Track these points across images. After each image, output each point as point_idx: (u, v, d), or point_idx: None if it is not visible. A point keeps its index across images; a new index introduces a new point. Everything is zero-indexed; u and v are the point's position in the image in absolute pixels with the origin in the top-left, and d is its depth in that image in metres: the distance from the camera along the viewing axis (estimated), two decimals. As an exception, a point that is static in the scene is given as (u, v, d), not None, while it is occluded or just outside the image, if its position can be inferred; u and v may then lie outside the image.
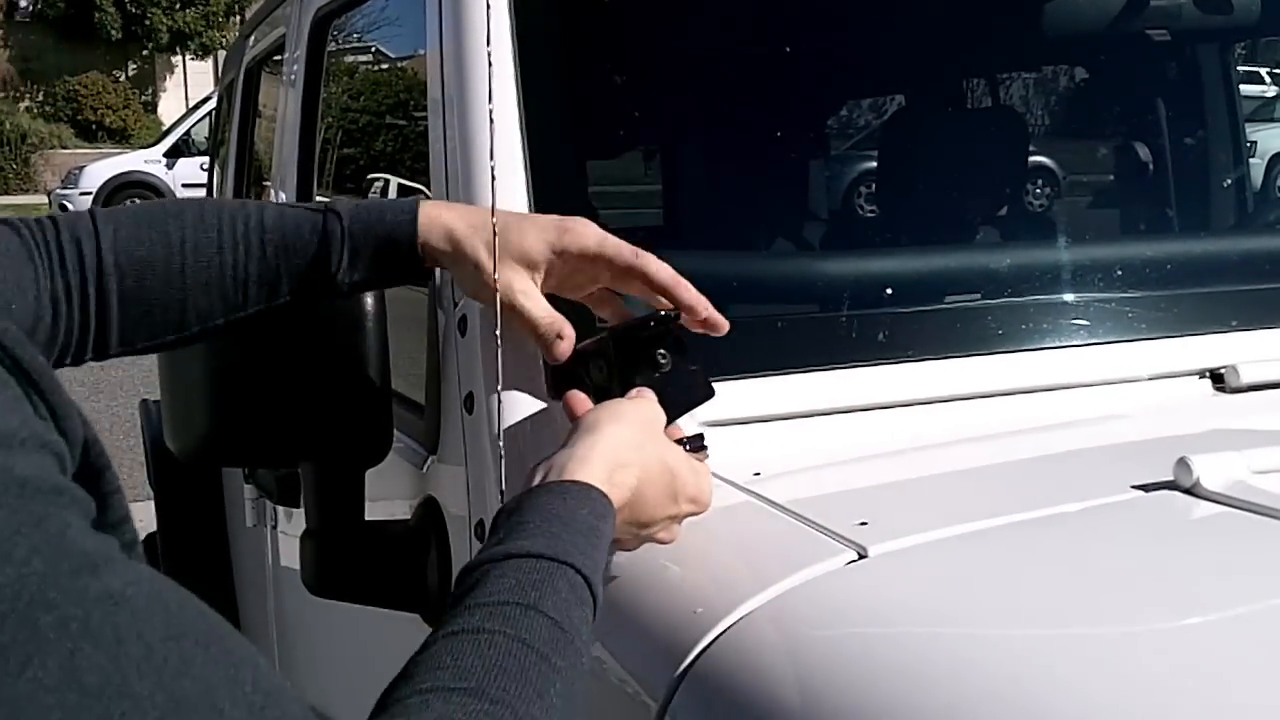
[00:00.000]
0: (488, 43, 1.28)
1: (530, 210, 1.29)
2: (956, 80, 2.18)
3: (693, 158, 2.06)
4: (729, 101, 1.86)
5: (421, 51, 1.54)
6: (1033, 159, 2.12)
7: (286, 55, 2.28)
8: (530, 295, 1.13)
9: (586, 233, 1.14)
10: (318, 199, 2.07)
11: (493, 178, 1.24)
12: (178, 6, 27.40)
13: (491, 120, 1.28)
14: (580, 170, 1.86)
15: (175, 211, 1.16)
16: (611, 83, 1.83)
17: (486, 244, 1.13)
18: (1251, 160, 2.57)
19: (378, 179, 2.01)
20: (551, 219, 1.16)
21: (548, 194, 1.31)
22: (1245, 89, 2.49)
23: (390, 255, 1.16)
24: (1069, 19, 1.98)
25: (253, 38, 2.99)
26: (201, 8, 27.40)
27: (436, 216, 1.15)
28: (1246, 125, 2.42)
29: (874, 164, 2.10)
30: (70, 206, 15.52)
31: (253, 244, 1.14)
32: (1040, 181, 2.19)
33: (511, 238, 1.13)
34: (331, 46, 2.11)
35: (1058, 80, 2.36)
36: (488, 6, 1.31)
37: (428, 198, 1.44)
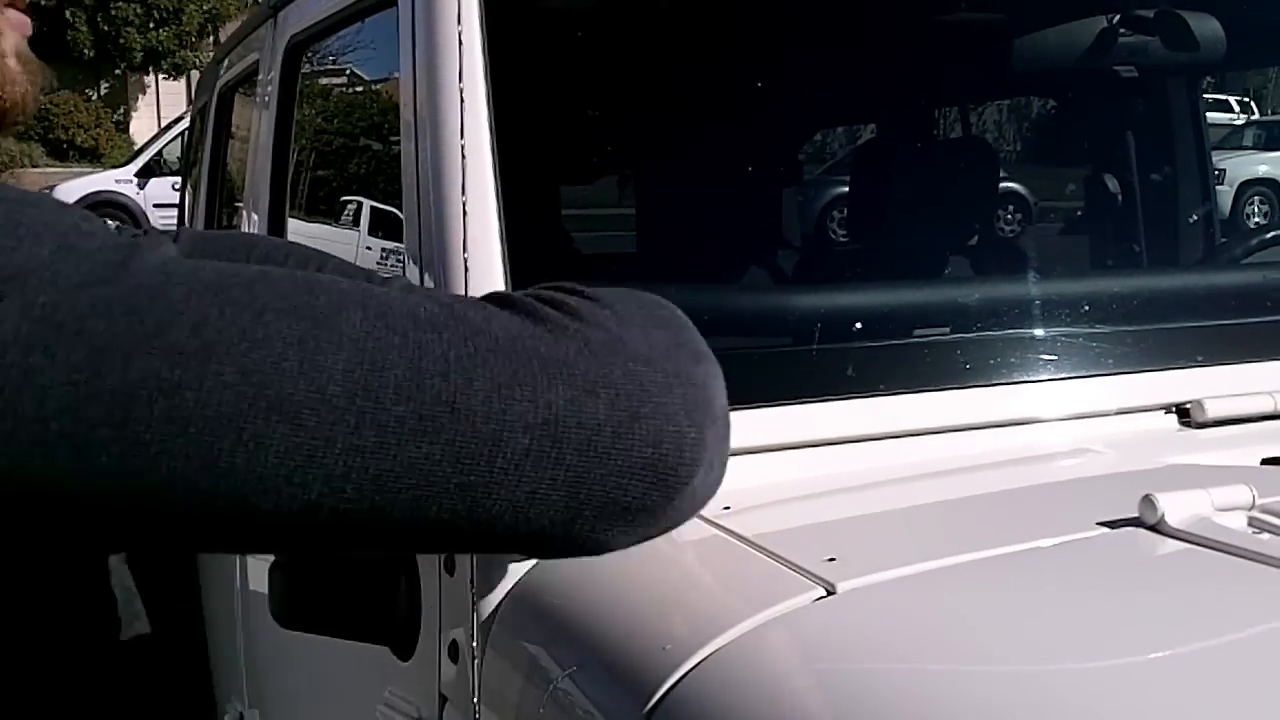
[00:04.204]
0: (459, 67, 1.29)
1: (500, 235, 1.29)
2: (927, 113, 2.19)
3: (663, 185, 2.06)
4: (701, 129, 1.87)
5: (395, 75, 1.54)
6: (1003, 185, 2.13)
7: (261, 78, 2.28)
8: None
9: None
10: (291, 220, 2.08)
11: (464, 205, 1.24)
12: (151, 26, 27.25)
13: (463, 145, 1.28)
14: (553, 195, 1.86)
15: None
16: (584, 107, 1.83)
17: None
18: (1220, 188, 2.59)
19: (351, 201, 2.01)
20: None
21: (519, 218, 1.31)
22: (1214, 116, 2.53)
23: None
24: (1039, 53, 2.00)
25: (226, 61, 2.99)
26: (175, 27, 27.25)
27: None
28: (1215, 153, 2.44)
29: (845, 194, 2.11)
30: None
31: None
32: (1011, 207, 2.20)
33: None
34: (305, 69, 2.11)
35: (1029, 112, 2.38)
36: (459, 32, 1.31)
37: (400, 220, 1.45)
